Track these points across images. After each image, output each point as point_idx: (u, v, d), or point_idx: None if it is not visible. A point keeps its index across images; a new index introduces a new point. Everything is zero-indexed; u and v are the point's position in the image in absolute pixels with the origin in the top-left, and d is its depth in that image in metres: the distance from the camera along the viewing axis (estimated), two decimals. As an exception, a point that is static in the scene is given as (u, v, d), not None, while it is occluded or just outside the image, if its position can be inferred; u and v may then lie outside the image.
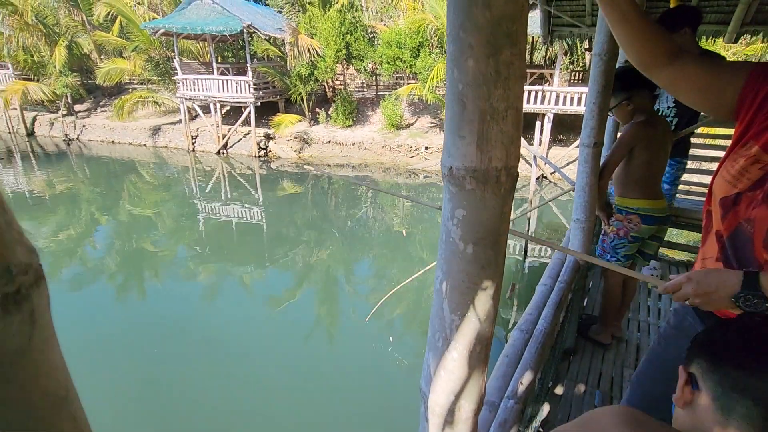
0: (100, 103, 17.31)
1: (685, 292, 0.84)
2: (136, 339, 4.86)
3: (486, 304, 0.60)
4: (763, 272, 0.76)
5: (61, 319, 5.26)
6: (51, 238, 8.04)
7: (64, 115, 16.47)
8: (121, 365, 4.37)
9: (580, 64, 14.20)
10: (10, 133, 17.01)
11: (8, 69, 15.95)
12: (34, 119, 16.96)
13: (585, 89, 10.88)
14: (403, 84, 14.12)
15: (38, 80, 15.72)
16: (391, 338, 4.95)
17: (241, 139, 14.04)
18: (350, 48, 13.07)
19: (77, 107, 17.13)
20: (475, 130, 0.52)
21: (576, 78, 13.83)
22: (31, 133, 16.92)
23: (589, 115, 1.88)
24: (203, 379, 4.19)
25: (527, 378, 1.39)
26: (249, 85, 13.04)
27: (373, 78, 15.09)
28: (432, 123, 13.52)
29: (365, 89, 16.12)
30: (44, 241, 7.93)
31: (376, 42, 13.78)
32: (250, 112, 13.23)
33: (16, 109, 16.34)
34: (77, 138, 16.19)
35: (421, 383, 0.70)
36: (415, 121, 13.80)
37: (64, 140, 16.17)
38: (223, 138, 13.95)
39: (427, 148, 12.60)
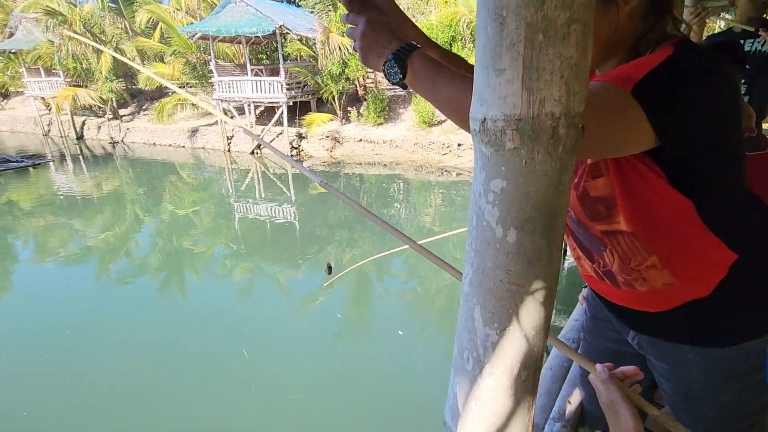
0: (143, 107, 18.06)
1: (358, 29, 0.72)
2: (173, 333, 4.94)
3: (534, 313, 0.43)
4: (418, 51, 0.66)
5: (108, 314, 5.43)
6: (98, 237, 8.39)
7: (110, 119, 17.30)
8: (158, 358, 4.43)
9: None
10: (62, 137, 18.05)
11: (59, 76, 16.91)
12: (84, 123, 17.92)
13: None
14: (435, 80, 13.84)
15: (86, 86, 16.57)
16: (400, 332, 4.83)
17: (274, 139, 14.22)
18: (381, 45, 12.94)
19: (122, 111, 17.95)
20: (520, 57, 0.35)
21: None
22: (80, 137, 17.88)
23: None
24: (232, 372, 4.18)
25: (576, 396, 1.19)
26: (281, 86, 13.18)
27: (405, 75, 14.89)
28: (465, 119, 13.18)
29: (397, 87, 15.95)
30: (93, 239, 8.29)
31: (407, 38, 13.57)
32: (282, 112, 13.38)
33: (67, 114, 17.31)
34: (122, 140, 16.96)
35: (445, 415, 0.54)
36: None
37: (110, 143, 16.98)
38: (257, 138, 14.18)
39: (459, 145, 12.28)
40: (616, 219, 0.74)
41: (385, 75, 0.68)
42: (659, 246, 0.75)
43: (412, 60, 0.65)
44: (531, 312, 0.43)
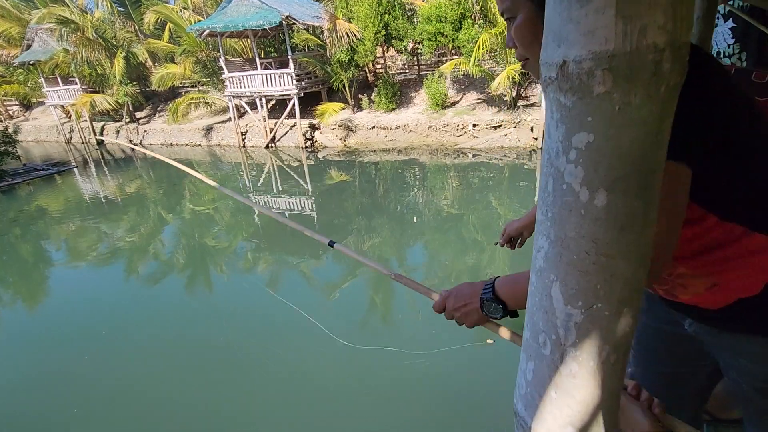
0: (158, 109, 18.30)
1: (448, 308, 0.85)
2: (201, 328, 5.03)
3: (626, 287, 0.37)
4: (499, 279, 0.78)
5: (140, 311, 5.58)
6: (125, 238, 8.59)
7: (127, 123, 17.60)
8: (189, 353, 4.53)
9: None
10: (83, 143, 18.48)
11: (76, 83, 17.23)
12: (102, 128, 18.28)
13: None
14: (446, 61, 13.57)
15: (102, 92, 16.85)
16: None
17: (287, 132, 14.24)
18: (389, 28, 12.71)
19: (138, 114, 18.22)
20: (615, -23, 0.29)
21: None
22: (101, 142, 18.28)
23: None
24: (262, 362, 4.24)
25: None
26: (291, 77, 13.12)
27: (414, 58, 14.64)
28: (478, 99, 12.90)
29: (407, 70, 15.72)
30: (120, 240, 8.50)
31: (415, 20, 13.31)
32: (294, 104, 13.34)
33: (86, 120, 17.68)
34: (140, 143, 17.25)
35: (515, 404, 0.49)
36: (461, 99, 13.24)
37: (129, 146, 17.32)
38: (271, 132, 14.21)
39: (474, 125, 12.05)
40: None
41: (488, 315, 0.80)
42: (682, 257, 0.71)
43: (497, 292, 0.77)
44: (622, 286, 0.37)
